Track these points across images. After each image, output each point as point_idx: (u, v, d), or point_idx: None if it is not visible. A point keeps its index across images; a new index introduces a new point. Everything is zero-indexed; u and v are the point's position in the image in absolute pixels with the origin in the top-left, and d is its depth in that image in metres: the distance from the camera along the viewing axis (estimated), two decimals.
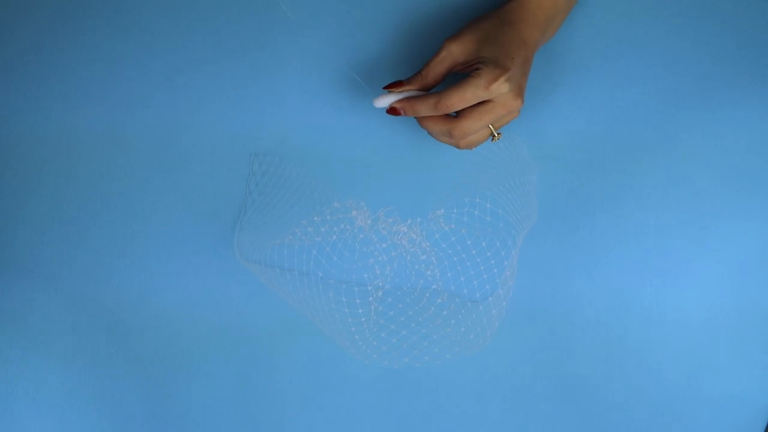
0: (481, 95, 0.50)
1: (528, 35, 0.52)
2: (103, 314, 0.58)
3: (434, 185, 0.59)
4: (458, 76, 0.53)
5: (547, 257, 0.59)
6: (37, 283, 0.58)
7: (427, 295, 0.57)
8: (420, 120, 0.54)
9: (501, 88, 0.49)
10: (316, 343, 0.59)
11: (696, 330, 0.59)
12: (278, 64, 0.59)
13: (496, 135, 0.53)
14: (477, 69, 0.50)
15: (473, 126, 0.51)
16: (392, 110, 0.53)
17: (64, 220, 0.58)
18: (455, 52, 0.52)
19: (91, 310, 0.58)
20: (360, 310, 0.56)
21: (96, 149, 0.58)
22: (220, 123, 0.59)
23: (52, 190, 0.58)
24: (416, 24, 0.59)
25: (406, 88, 0.53)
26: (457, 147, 0.54)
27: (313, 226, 0.57)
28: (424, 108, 0.51)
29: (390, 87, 0.53)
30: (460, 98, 0.49)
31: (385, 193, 0.59)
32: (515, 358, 0.59)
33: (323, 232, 0.57)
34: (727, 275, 0.59)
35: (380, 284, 0.57)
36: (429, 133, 0.54)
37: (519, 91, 0.51)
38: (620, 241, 0.59)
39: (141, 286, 0.58)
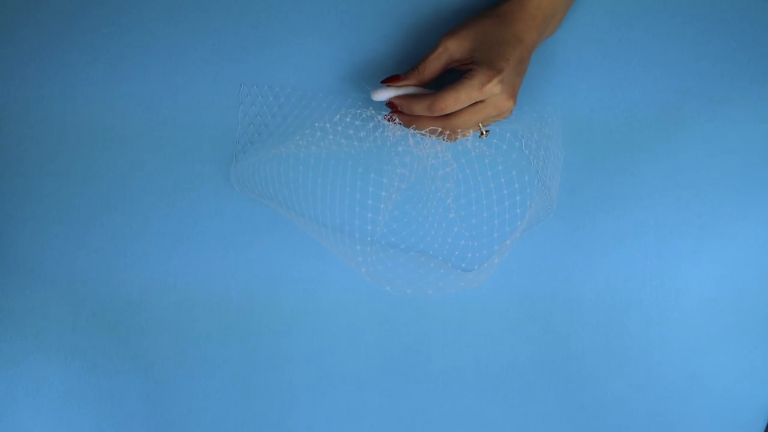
0: (475, 96, 0.50)
1: (525, 35, 0.52)
2: (103, 314, 0.58)
3: None
4: (453, 72, 0.54)
5: (547, 257, 0.59)
6: (37, 283, 0.58)
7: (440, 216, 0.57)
8: (411, 121, 0.54)
9: (494, 89, 0.50)
10: (316, 344, 0.59)
11: (696, 330, 0.59)
12: (278, 64, 0.59)
13: (484, 132, 0.53)
14: (470, 70, 0.50)
15: (464, 124, 0.52)
16: (391, 104, 0.54)
17: (64, 220, 0.58)
18: (452, 48, 0.52)
19: (91, 310, 0.58)
20: (369, 227, 0.56)
21: (96, 149, 0.58)
22: (220, 123, 0.59)
23: (52, 190, 0.58)
24: (416, 23, 0.59)
25: (403, 83, 0.53)
26: (447, 140, 0.54)
27: (342, 125, 0.55)
28: (419, 108, 0.51)
29: (387, 81, 0.54)
30: (454, 100, 0.50)
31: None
32: (515, 358, 0.59)
33: (351, 134, 0.56)
34: (726, 275, 0.59)
35: (395, 192, 0.55)
36: (417, 131, 0.54)
37: (512, 92, 0.51)
38: (620, 241, 0.59)
39: (141, 286, 0.58)
